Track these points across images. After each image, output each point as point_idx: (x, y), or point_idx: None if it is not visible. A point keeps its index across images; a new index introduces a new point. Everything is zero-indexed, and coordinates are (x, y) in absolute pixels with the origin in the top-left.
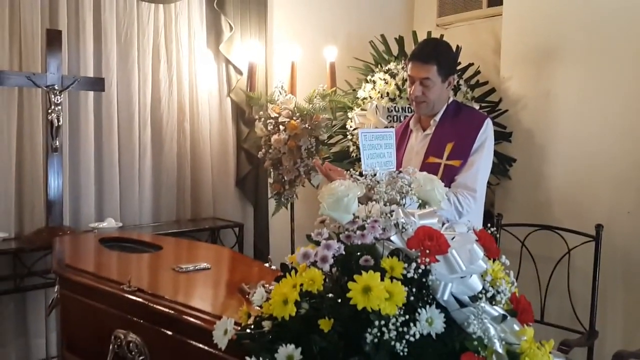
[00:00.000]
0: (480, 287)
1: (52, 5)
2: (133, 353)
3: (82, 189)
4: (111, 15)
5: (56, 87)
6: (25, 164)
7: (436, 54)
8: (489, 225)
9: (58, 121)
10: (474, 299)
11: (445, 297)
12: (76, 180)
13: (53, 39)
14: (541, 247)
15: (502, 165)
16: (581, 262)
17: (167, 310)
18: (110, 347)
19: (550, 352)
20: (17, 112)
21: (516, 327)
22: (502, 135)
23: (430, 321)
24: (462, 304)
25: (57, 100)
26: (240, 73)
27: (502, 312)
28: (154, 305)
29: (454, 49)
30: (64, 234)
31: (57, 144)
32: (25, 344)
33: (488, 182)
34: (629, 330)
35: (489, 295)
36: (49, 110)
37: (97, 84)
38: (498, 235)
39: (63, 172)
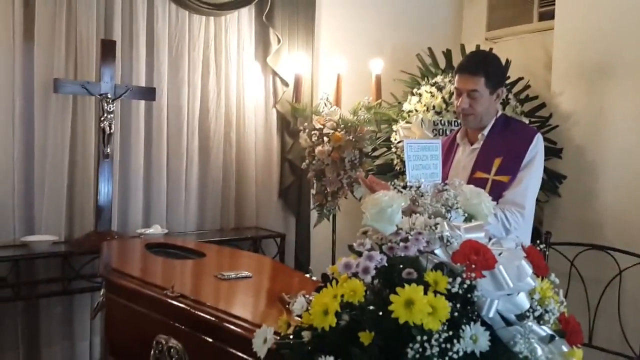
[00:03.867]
0: (527, 306)
1: (107, 17)
2: (173, 359)
3: (130, 195)
4: (164, 27)
5: (109, 96)
6: (77, 169)
7: (484, 66)
8: (537, 242)
9: (110, 129)
10: (521, 317)
11: (491, 315)
12: (125, 187)
13: (107, 49)
14: (591, 268)
15: (551, 182)
16: (633, 284)
17: (208, 317)
18: (152, 352)
19: None
20: (71, 119)
21: (564, 349)
22: (552, 151)
23: (475, 338)
24: (508, 322)
25: (110, 109)
26: (287, 85)
27: (550, 332)
28: (196, 312)
29: (503, 63)
30: (111, 239)
31: (108, 151)
32: (71, 347)
33: (537, 199)
34: None
35: (536, 314)
36: (102, 118)
37: (149, 94)
38: (547, 254)
39: (113, 178)
